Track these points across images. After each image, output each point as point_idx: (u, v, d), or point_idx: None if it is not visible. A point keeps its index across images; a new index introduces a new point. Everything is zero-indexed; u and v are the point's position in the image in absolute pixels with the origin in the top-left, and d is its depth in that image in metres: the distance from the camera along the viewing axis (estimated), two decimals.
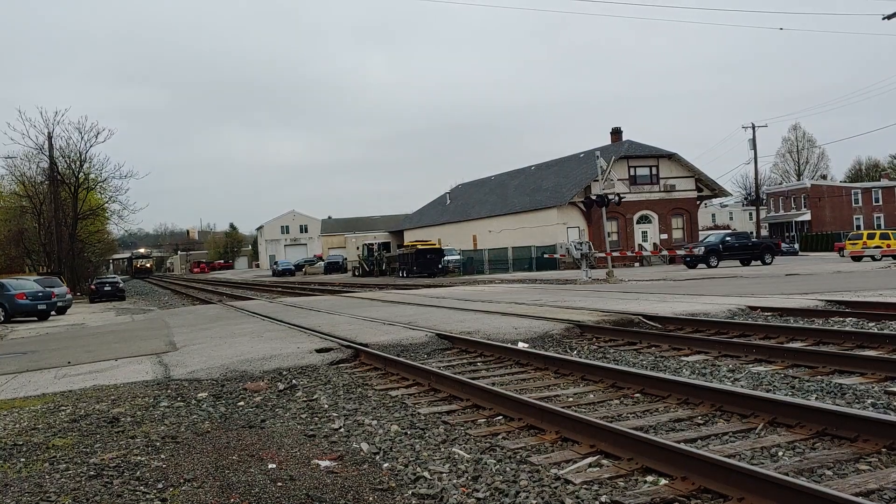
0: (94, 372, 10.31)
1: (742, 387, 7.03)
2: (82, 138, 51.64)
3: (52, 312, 28.79)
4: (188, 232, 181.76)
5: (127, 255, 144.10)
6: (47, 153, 49.72)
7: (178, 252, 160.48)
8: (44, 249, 53.61)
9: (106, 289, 44.24)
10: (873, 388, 6.78)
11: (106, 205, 57.29)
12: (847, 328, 10.60)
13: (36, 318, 27.57)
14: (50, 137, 49.27)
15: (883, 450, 4.76)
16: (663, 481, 4.48)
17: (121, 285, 46.15)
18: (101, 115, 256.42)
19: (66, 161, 52.18)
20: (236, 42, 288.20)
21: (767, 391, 6.85)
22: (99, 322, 24.52)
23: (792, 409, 5.56)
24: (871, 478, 4.26)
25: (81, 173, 52.59)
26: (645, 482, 4.53)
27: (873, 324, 11.21)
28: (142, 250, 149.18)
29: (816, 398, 6.50)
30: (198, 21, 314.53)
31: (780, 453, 4.92)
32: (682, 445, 4.72)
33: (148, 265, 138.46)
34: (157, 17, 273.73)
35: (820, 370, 7.70)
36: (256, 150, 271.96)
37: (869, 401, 6.27)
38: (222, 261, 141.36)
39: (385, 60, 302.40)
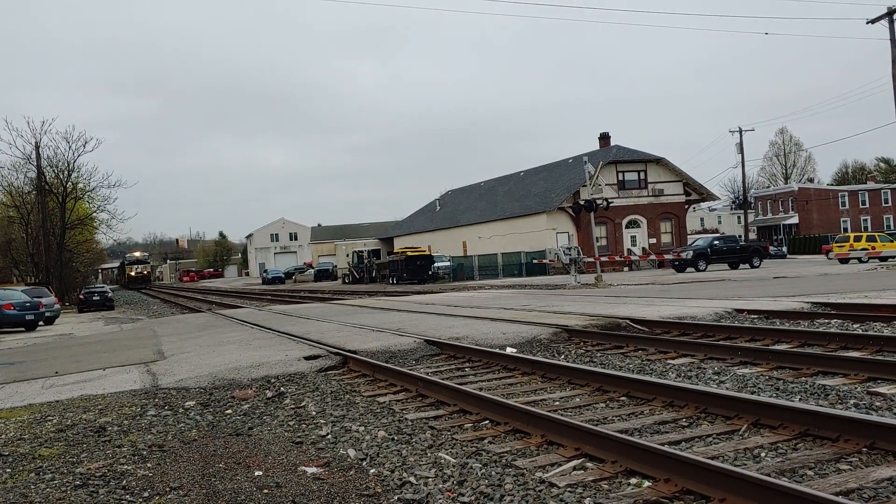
0: (82, 382, 10.27)
1: (727, 389, 7.08)
2: (70, 147, 51.66)
3: (40, 323, 28.65)
4: (177, 241, 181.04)
5: (116, 263, 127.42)
6: (35, 163, 49.62)
7: (168, 261, 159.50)
8: (31, 259, 53.33)
9: (94, 298, 44.29)
10: (856, 388, 6.85)
11: (94, 214, 57.21)
12: (832, 330, 10.68)
13: (24, 329, 27.41)
14: (37, 147, 49.17)
15: (864, 449, 4.81)
16: (647, 483, 4.51)
17: (109, 295, 46.17)
18: (89, 125, 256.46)
19: (53, 170, 52.11)
20: (225, 50, 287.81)
21: (752, 393, 6.90)
22: (87, 332, 24.40)
23: (775, 410, 5.61)
24: (851, 477, 4.31)
25: (69, 183, 52.54)
26: (629, 484, 4.56)
27: (858, 325, 11.31)
28: (136, 254, 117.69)
29: (800, 399, 6.56)
30: (186, 30, 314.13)
31: (763, 454, 4.96)
32: (665, 447, 4.75)
33: (145, 272, 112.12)
34: (145, 27, 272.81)
35: (804, 371, 7.77)
36: (245, 159, 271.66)
37: (852, 401, 6.34)
38: (212, 269, 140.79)
39: (374, 67, 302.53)
